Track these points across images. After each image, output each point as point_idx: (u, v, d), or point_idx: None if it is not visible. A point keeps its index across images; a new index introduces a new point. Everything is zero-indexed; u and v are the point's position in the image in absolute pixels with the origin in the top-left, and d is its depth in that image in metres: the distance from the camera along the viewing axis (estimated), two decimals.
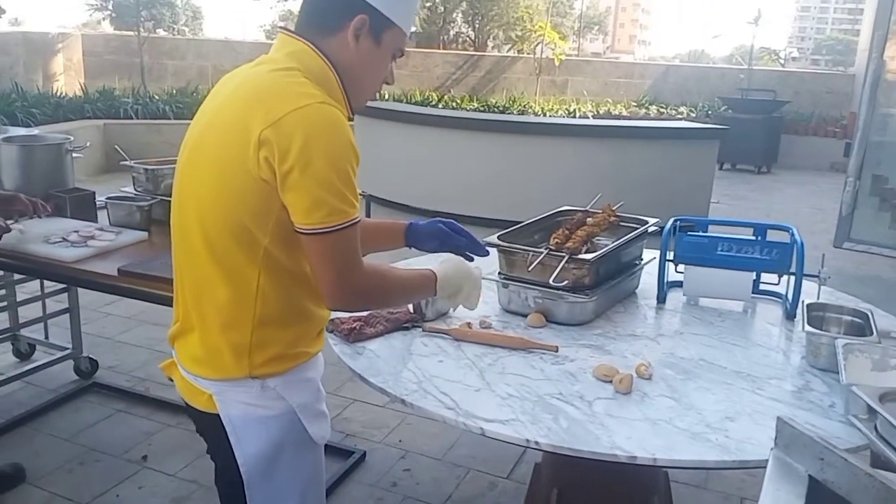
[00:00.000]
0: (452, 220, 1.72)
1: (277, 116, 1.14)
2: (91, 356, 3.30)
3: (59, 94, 8.92)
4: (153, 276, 1.96)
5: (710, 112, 11.67)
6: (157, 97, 9.19)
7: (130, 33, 12.02)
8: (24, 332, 3.35)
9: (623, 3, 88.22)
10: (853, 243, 5.45)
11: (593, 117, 11.30)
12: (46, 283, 3.24)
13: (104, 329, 3.75)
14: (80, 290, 3.25)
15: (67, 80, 9.86)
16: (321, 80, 1.23)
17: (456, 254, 1.69)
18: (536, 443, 1.38)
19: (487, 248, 1.79)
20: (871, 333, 1.73)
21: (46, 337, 3.36)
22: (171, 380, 1.42)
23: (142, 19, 13.93)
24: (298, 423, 1.31)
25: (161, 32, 13.29)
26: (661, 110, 12.35)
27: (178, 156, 1.33)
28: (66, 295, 3.28)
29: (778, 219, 7.06)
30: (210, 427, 1.31)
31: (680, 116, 11.69)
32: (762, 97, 10.67)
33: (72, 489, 2.47)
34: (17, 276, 3.17)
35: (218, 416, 1.28)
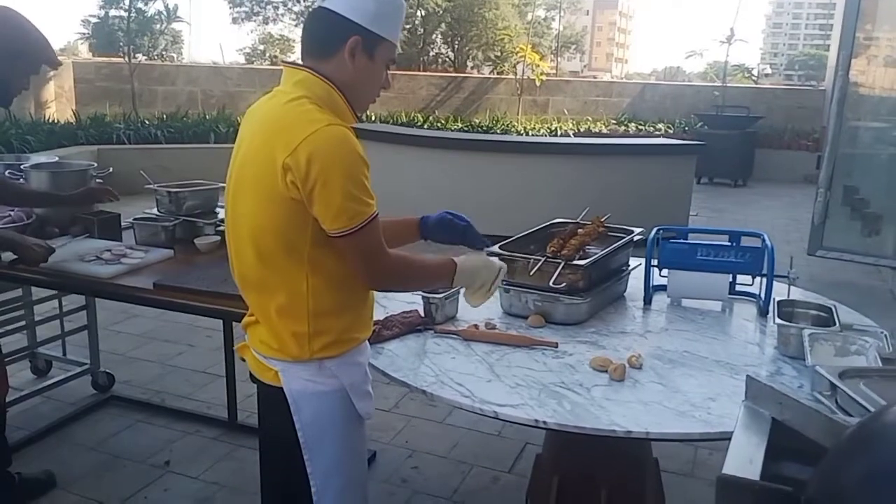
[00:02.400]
0: (456, 211, 1.90)
1: (294, 145, 1.36)
2: (108, 371, 3.45)
3: (51, 120, 9.06)
4: (187, 288, 2.14)
5: (686, 128, 12.02)
6: (148, 122, 9.35)
7: (120, 60, 12.20)
8: (42, 349, 3.50)
9: (599, 22, 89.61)
10: (826, 251, 5.71)
11: (574, 135, 11.59)
12: (62, 302, 3.40)
13: (116, 346, 3.90)
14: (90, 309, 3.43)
15: (59, 106, 10.00)
16: (326, 100, 1.45)
17: (468, 246, 1.87)
18: (545, 422, 1.57)
19: (489, 255, 2.00)
20: (835, 325, 1.95)
21: (64, 354, 3.52)
22: (244, 359, 1.64)
23: (121, 44, 14.11)
24: (348, 400, 1.53)
25: (140, 57, 13.38)
26: (640, 127, 12.69)
27: (226, 185, 1.57)
28: (82, 313, 3.44)
29: (754, 229, 7.34)
30: (274, 398, 1.53)
31: (658, 133, 12.01)
32: (736, 113, 11.04)
33: (102, 493, 2.63)
34: (34, 297, 3.34)
35: (282, 389, 1.51)
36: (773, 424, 0.94)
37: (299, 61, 1.52)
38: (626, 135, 12.18)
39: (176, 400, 3.36)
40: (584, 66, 63.99)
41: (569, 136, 11.52)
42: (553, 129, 12.40)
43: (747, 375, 1.00)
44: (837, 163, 5.85)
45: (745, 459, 0.83)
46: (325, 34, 1.47)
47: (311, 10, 1.54)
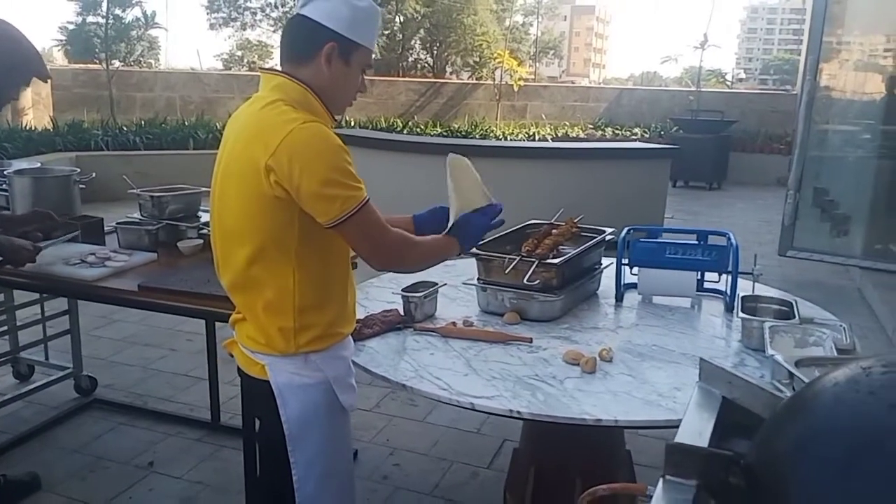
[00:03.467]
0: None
1: (273, 147, 1.43)
2: (90, 375, 3.48)
3: (28, 127, 9.01)
4: (171, 289, 2.20)
5: (662, 133, 12.20)
6: (126, 128, 9.33)
7: (98, 67, 12.14)
8: (24, 354, 3.52)
9: (577, 27, 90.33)
10: (796, 251, 5.87)
11: (552, 140, 11.73)
12: (45, 306, 3.43)
13: (97, 351, 3.92)
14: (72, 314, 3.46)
15: (36, 113, 9.94)
16: (302, 103, 1.52)
17: None
18: (518, 413, 1.65)
19: (468, 255, 2.08)
20: (794, 318, 2.05)
21: (47, 358, 3.54)
22: (232, 355, 1.70)
23: (97, 50, 14.04)
24: (332, 392, 1.60)
25: (117, 64, 13.33)
26: (617, 132, 12.86)
27: (211, 187, 1.63)
28: (65, 318, 3.46)
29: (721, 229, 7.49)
30: (261, 391, 1.59)
31: (634, 137, 12.19)
32: (710, 118, 11.23)
33: (87, 493, 2.66)
34: (16, 302, 3.36)
35: (268, 382, 1.57)
36: (724, 403, 1.02)
37: (277, 67, 1.60)
38: (602, 139, 12.34)
39: (158, 402, 3.40)
40: (563, 72, 64.48)
41: (546, 140, 11.66)
42: (531, 133, 12.54)
43: (700, 358, 1.08)
44: (807, 165, 6.02)
45: (695, 432, 0.91)
46: (303, 40, 1.54)
47: (289, 17, 1.61)
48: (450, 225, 1.84)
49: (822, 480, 0.65)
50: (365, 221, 1.50)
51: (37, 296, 3.30)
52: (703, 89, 14.15)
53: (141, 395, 3.48)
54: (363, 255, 1.56)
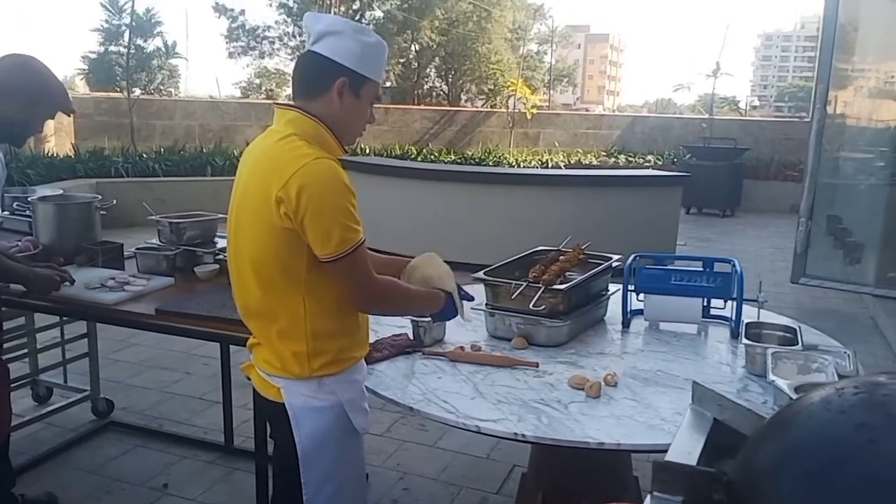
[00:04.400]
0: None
1: (285, 180, 1.50)
2: (107, 397, 3.54)
3: (51, 154, 9.21)
4: (187, 313, 2.26)
5: (675, 160, 12.24)
6: (146, 155, 9.51)
7: (119, 95, 12.40)
8: (43, 376, 3.60)
9: (591, 55, 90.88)
10: (809, 279, 5.86)
11: (565, 167, 11.80)
12: (64, 330, 3.51)
13: (114, 374, 3.99)
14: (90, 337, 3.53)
15: (58, 140, 10.18)
16: (314, 136, 1.60)
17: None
18: (523, 435, 1.68)
19: (476, 280, 2.14)
20: (798, 345, 2.08)
21: (65, 381, 3.61)
22: (249, 378, 1.76)
23: (118, 79, 14.33)
24: (345, 415, 1.65)
25: (138, 92, 13.61)
26: (630, 159, 12.92)
27: (228, 218, 1.71)
28: (83, 341, 3.54)
29: (740, 258, 7.47)
30: (276, 413, 1.64)
31: (647, 164, 12.23)
32: (723, 145, 11.26)
33: None
34: (37, 325, 3.44)
35: (283, 404, 1.62)
36: (715, 424, 1.06)
37: (290, 100, 1.67)
38: (615, 166, 12.39)
39: (173, 425, 3.45)
40: (577, 99, 64.81)
41: (559, 167, 11.73)
42: (544, 161, 12.62)
43: (693, 381, 1.12)
44: (820, 193, 6.03)
45: (684, 452, 0.95)
46: (315, 76, 1.62)
47: (300, 54, 1.70)
48: (450, 289, 1.90)
49: (795, 496, 0.69)
50: (355, 264, 1.56)
51: (57, 319, 3.39)
52: (715, 117, 14.22)
53: (156, 418, 3.54)
54: (347, 295, 1.61)
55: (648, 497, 0.86)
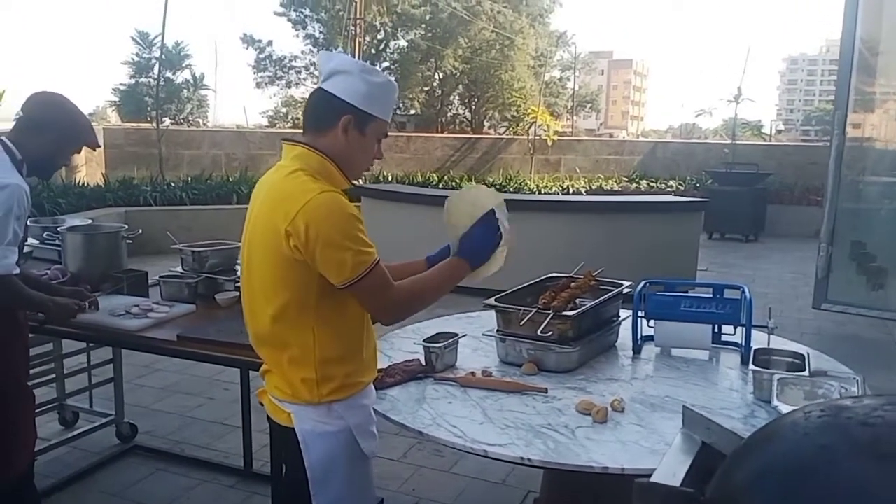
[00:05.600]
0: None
1: (292, 215, 1.57)
2: (131, 422, 3.63)
3: (81, 184, 9.46)
4: (207, 339, 2.34)
5: (697, 185, 12.22)
6: (173, 184, 9.73)
7: (148, 126, 12.73)
8: (69, 401, 3.69)
9: (615, 81, 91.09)
10: (831, 304, 5.81)
11: (586, 193, 11.84)
12: (90, 356, 3.60)
13: (140, 399, 4.08)
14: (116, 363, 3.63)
15: (89, 170, 10.46)
16: (321, 171, 1.67)
17: None
18: (529, 460, 1.72)
19: (487, 307, 2.18)
20: (805, 371, 2.09)
21: (91, 405, 3.70)
22: (262, 404, 1.83)
23: (148, 109, 14.73)
24: (353, 439, 1.70)
25: (167, 122, 13.98)
26: (651, 184, 12.92)
27: (241, 249, 1.79)
28: (109, 367, 3.63)
29: (763, 284, 7.44)
30: (287, 438, 1.70)
31: (669, 190, 12.22)
32: (746, 170, 11.22)
33: None
34: (64, 351, 3.54)
35: (293, 429, 1.68)
36: (703, 447, 1.10)
37: (297, 137, 1.74)
38: (637, 192, 12.40)
39: (195, 450, 3.52)
40: (601, 124, 64.82)
41: (580, 193, 11.76)
42: (565, 187, 12.67)
43: (683, 406, 1.16)
44: (843, 218, 6.00)
45: (669, 473, 0.99)
46: (322, 112, 1.70)
47: (311, 91, 1.78)
48: (452, 253, 1.92)
49: None
50: (374, 284, 1.63)
51: (83, 345, 3.49)
52: (738, 142, 14.18)
53: (178, 443, 3.61)
54: (371, 313, 1.69)
55: None
